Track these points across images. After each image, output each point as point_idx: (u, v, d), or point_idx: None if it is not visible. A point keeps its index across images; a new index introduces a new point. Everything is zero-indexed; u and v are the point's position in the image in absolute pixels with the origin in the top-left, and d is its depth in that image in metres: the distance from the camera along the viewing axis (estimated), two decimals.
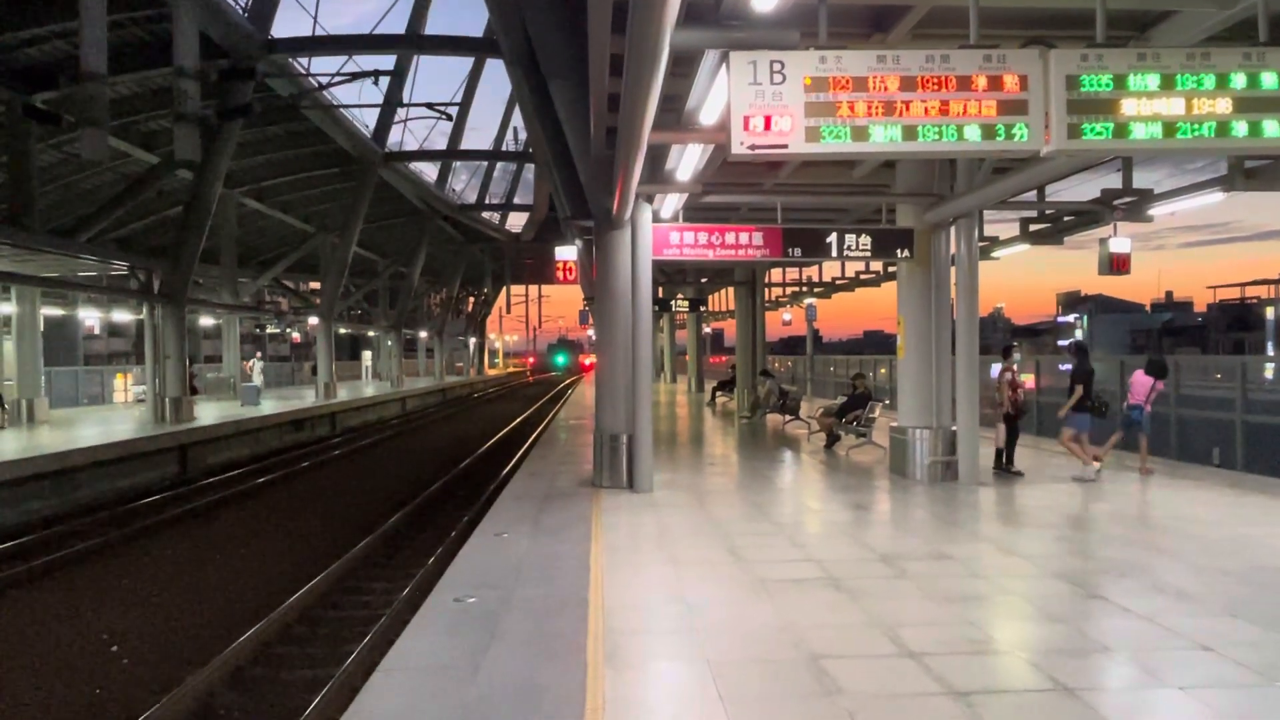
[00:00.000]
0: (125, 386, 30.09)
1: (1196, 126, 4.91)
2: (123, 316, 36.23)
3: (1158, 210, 11.06)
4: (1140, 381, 10.99)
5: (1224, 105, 4.90)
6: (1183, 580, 6.17)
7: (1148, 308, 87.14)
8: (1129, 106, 4.88)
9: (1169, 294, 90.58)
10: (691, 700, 4.21)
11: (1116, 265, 11.64)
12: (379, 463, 19.96)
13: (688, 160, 8.29)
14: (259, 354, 49.56)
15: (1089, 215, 11.97)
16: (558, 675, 4.48)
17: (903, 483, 10.72)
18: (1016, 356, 11.81)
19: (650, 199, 10.08)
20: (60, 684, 6.68)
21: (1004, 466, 11.21)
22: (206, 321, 37.34)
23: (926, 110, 4.84)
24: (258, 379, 29.58)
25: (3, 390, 20.43)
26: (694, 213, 13.27)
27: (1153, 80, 4.89)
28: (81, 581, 9.51)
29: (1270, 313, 60.03)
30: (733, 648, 4.88)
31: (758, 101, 4.70)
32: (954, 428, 10.72)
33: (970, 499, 9.66)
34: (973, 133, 4.84)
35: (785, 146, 4.75)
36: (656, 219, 10.66)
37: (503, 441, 23.66)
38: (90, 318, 35.92)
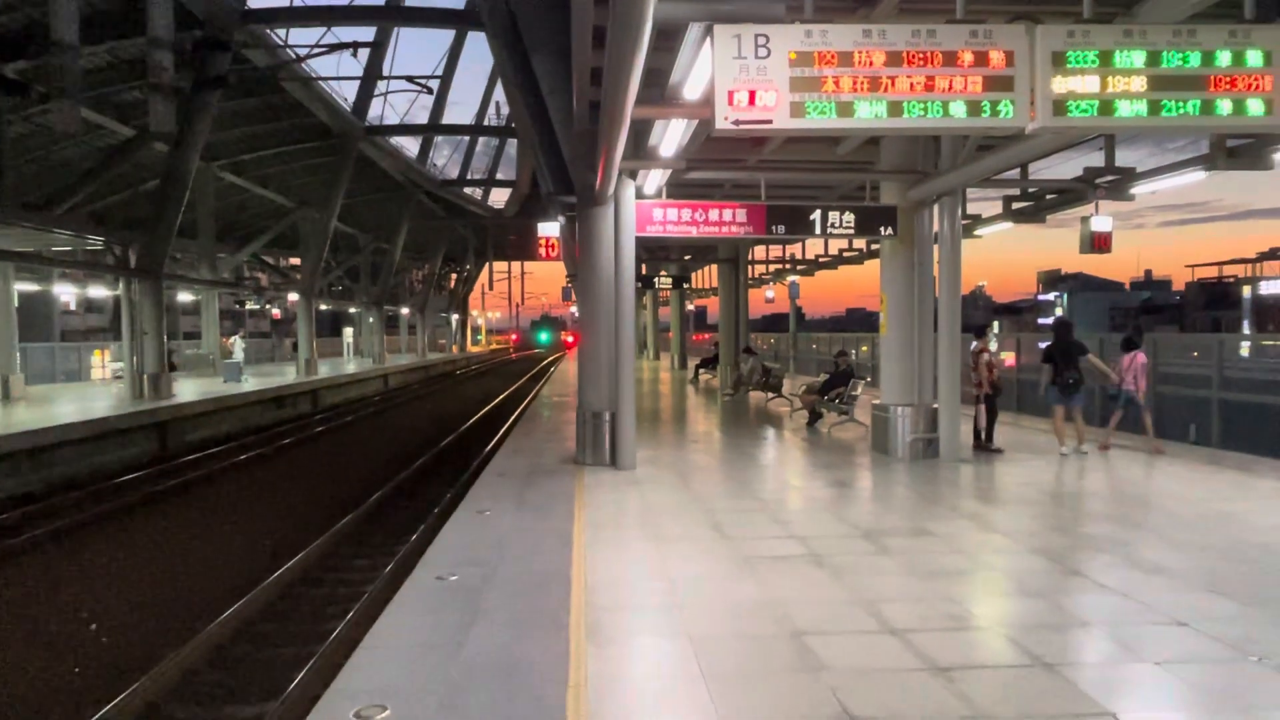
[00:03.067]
0: (103, 363, 29.72)
1: (1181, 104, 4.90)
2: (100, 292, 35.78)
3: (1140, 189, 11.10)
4: (1123, 361, 11.09)
5: (1209, 83, 4.88)
6: (1160, 556, 6.24)
7: (1127, 286, 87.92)
8: (1115, 84, 4.86)
9: (1148, 272, 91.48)
10: (674, 676, 4.22)
11: (1098, 244, 11.70)
12: (361, 440, 19.87)
13: (671, 136, 8.21)
14: (241, 330, 49.06)
15: (1071, 194, 11.99)
16: (540, 652, 4.48)
17: (884, 460, 10.78)
18: (991, 336, 11.87)
19: (633, 175, 10.00)
20: (37, 663, 6.62)
21: (984, 444, 11.30)
22: (185, 297, 36.90)
23: (912, 86, 4.80)
24: (239, 355, 29.26)
25: None
26: (677, 189, 13.20)
27: (1138, 57, 4.87)
28: (59, 560, 9.42)
29: (1247, 291, 60.75)
30: (715, 624, 4.90)
31: (742, 76, 4.65)
32: (935, 405, 10.78)
33: (951, 476, 9.73)
34: (958, 109, 4.81)
35: (770, 122, 4.70)
36: (640, 195, 10.59)
37: (486, 418, 23.62)
38: (66, 293, 35.36)
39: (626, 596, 5.44)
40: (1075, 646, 4.63)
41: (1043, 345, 17.59)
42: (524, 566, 6.10)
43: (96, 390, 22.87)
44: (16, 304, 21.15)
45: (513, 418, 21.46)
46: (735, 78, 4.66)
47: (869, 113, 4.78)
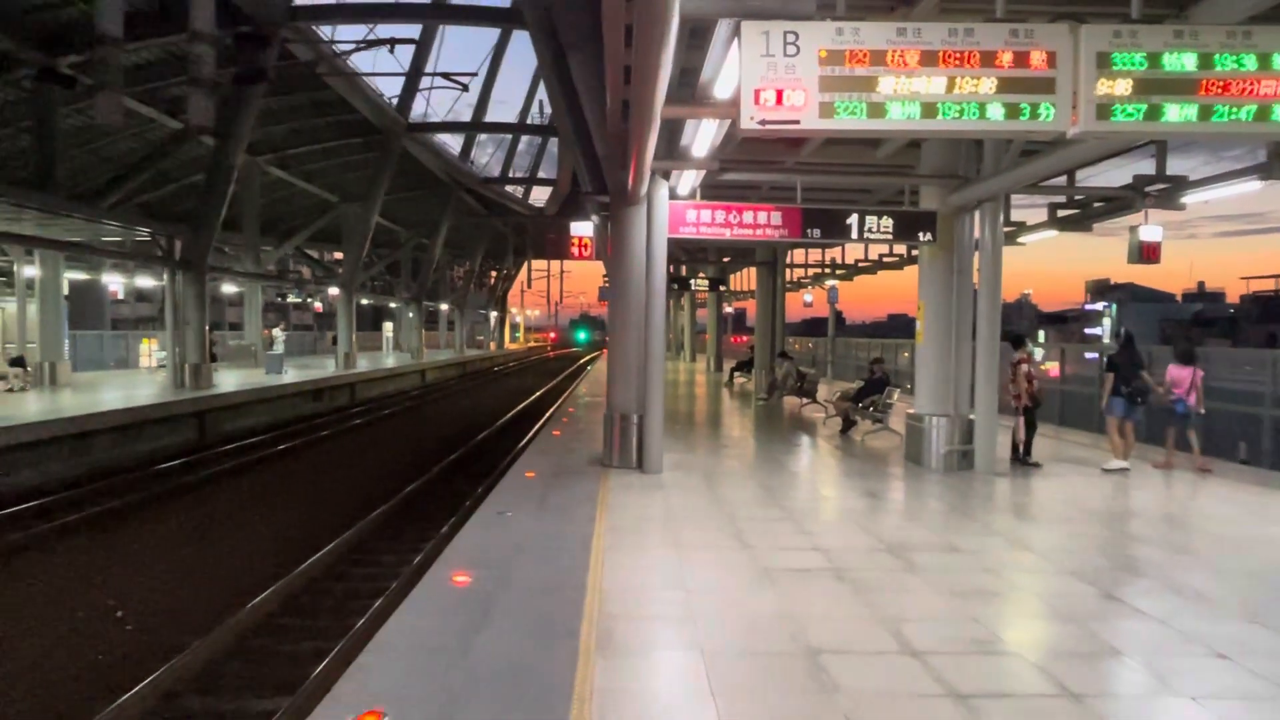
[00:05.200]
0: (150, 351, 30.34)
1: (1235, 110, 4.65)
2: (149, 282, 36.56)
3: (1191, 198, 10.71)
4: (1175, 374, 10.68)
5: (1266, 87, 4.63)
6: (1202, 582, 5.97)
7: (1178, 298, 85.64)
8: (1162, 87, 4.63)
9: (1200, 284, 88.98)
10: (683, 693, 4.10)
11: (1146, 254, 11.31)
12: (395, 435, 20.00)
13: (703, 136, 8.09)
14: (283, 323, 49.83)
15: (1120, 202, 11.61)
16: (549, 660, 4.38)
17: (917, 471, 10.53)
18: (1031, 346, 11.51)
19: (667, 175, 9.88)
20: (63, 649, 6.70)
21: (1021, 458, 10.98)
22: (230, 289, 37.54)
23: (947, 86, 4.61)
24: (280, 348, 29.65)
25: (25, 353, 20.67)
26: (714, 190, 13.05)
27: (1189, 60, 4.64)
28: (91, 545, 9.56)
29: None
30: (730, 638, 4.77)
31: (769, 74, 4.50)
32: (972, 416, 10.51)
33: (985, 490, 9.46)
34: (995, 111, 4.61)
35: (797, 122, 4.55)
36: (673, 196, 10.47)
37: (518, 417, 23.66)
38: (115, 283, 36.17)
39: (641, 605, 5.32)
40: (1107, 677, 4.42)
41: (1090, 356, 17.14)
42: (540, 570, 6.01)
43: (141, 378, 23.33)
44: (67, 292, 21.64)
45: (545, 417, 21.46)
46: (762, 76, 4.52)
47: (901, 114, 4.61)
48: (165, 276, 21.39)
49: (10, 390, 18.22)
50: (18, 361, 19.57)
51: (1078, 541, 7.20)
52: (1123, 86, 4.61)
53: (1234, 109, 4.64)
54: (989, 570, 6.25)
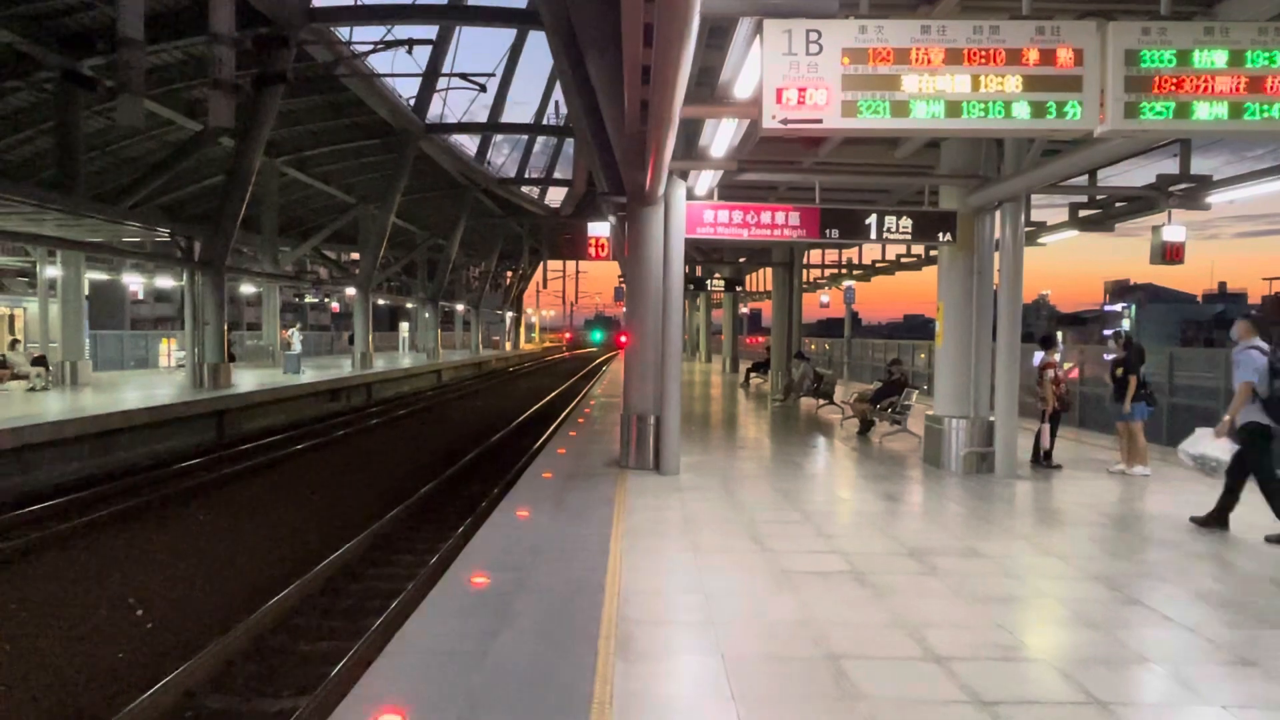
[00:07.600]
0: (169, 351, 30.60)
1: (1266, 107, 4.56)
2: (168, 282, 36.88)
3: (1216, 198, 10.58)
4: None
5: None
6: (1228, 588, 5.87)
7: (1199, 298, 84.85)
8: (1192, 84, 4.55)
9: (1222, 285, 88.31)
10: (703, 698, 4.06)
11: (1169, 254, 11.19)
12: (411, 435, 20.05)
13: (722, 136, 8.04)
14: (300, 323, 50.14)
15: (1142, 202, 11.49)
16: (567, 665, 4.35)
17: (936, 473, 10.44)
18: (1059, 348, 11.37)
19: (684, 175, 9.85)
20: (83, 647, 6.74)
21: (1042, 460, 10.87)
22: (248, 289, 37.80)
23: (973, 85, 4.55)
24: (297, 347, 29.80)
25: (47, 352, 20.87)
26: (731, 190, 13.00)
27: (1220, 57, 4.55)
28: (111, 544, 9.62)
29: None
30: (750, 643, 4.72)
31: (791, 73, 4.46)
32: (991, 418, 10.41)
33: (1006, 493, 9.36)
34: (1021, 110, 4.55)
35: (819, 121, 4.50)
36: (691, 196, 10.42)
37: (534, 417, 23.67)
38: (134, 283, 36.52)
39: (660, 609, 5.29)
40: (1133, 684, 4.35)
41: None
42: (558, 573, 5.99)
43: (160, 378, 23.51)
44: (88, 292, 21.84)
45: (560, 417, 21.46)
46: (785, 75, 4.47)
47: (926, 113, 4.55)
48: (184, 277, 21.55)
49: (32, 389, 18.41)
50: (40, 361, 19.77)
51: (1101, 546, 7.11)
52: (1151, 84, 4.53)
53: (1265, 107, 4.55)
54: (1011, 575, 6.18)
